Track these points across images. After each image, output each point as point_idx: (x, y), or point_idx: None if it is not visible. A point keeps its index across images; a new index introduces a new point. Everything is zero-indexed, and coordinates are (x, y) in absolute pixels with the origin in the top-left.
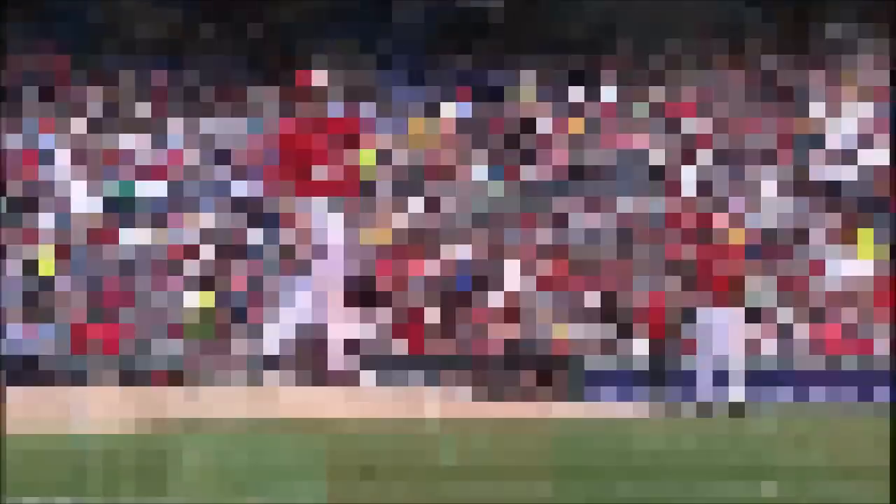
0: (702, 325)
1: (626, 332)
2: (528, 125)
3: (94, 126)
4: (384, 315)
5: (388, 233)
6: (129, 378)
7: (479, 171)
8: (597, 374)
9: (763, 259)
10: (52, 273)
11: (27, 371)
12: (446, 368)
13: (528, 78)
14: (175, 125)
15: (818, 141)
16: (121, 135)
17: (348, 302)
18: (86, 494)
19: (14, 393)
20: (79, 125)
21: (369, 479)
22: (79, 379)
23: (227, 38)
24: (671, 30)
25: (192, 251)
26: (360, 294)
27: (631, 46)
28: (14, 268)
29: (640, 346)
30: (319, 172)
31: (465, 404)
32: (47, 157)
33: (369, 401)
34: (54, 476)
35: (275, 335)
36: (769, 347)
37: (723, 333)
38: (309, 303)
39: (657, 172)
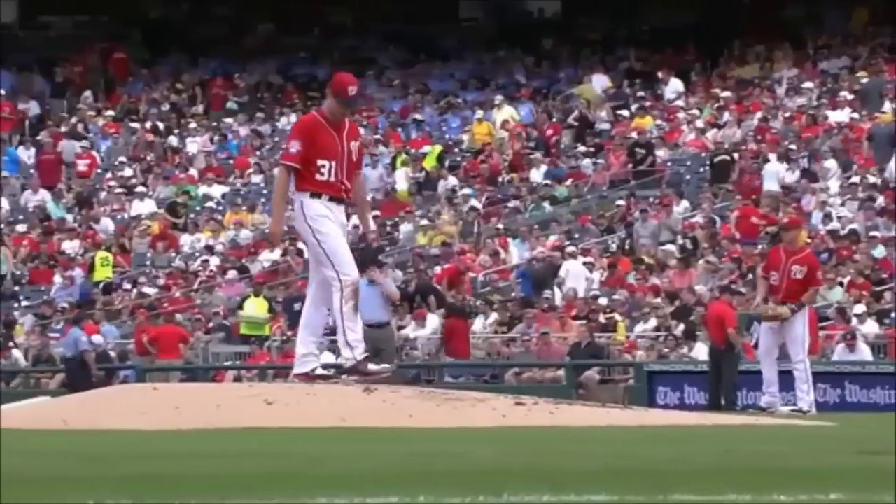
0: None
1: (690, 335)
2: (591, 125)
3: (156, 128)
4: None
5: (449, 233)
6: (191, 379)
7: (541, 172)
8: (660, 377)
9: (833, 261)
10: (110, 276)
11: (84, 371)
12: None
13: (590, 77)
14: (237, 126)
15: (886, 139)
16: (181, 136)
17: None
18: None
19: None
20: (140, 127)
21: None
22: (141, 378)
23: (287, 38)
24: (737, 29)
25: (252, 252)
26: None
27: (695, 44)
28: (74, 270)
29: (704, 350)
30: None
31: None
32: (107, 160)
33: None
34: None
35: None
36: (840, 350)
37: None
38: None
39: (723, 173)
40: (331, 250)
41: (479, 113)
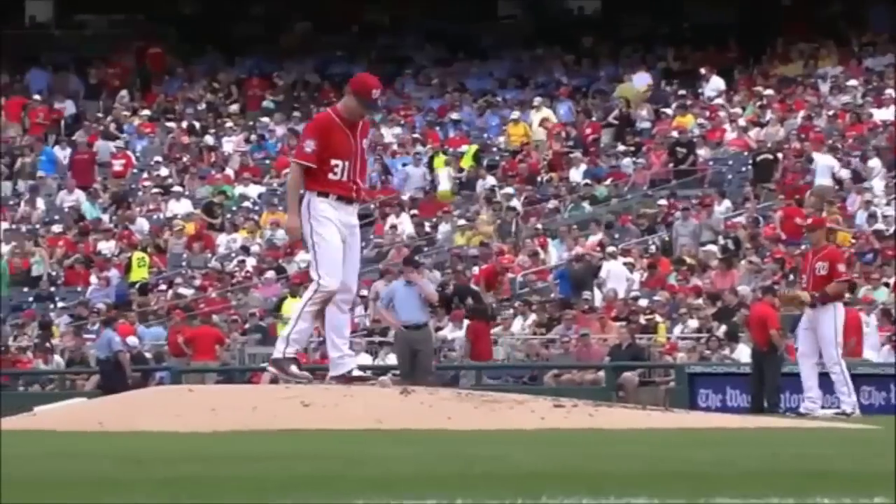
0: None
1: (732, 336)
2: (631, 124)
3: (192, 127)
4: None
5: (487, 233)
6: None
7: (580, 171)
8: (702, 379)
9: (878, 261)
10: (145, 276)
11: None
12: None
13: (630, 75)
14: (274, 125)
15: None
16: (217, 136)
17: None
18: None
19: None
20: (176, 126)
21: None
22: (176, 380)
23: (324, 37)
24: (780, 26)
25: (288, 253)
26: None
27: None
28: (110, 271)
29: (747, 351)
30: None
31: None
32: (143, 159)
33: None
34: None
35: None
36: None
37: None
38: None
39: (766, 172)
40: (322, 254)
41: (516, 114)
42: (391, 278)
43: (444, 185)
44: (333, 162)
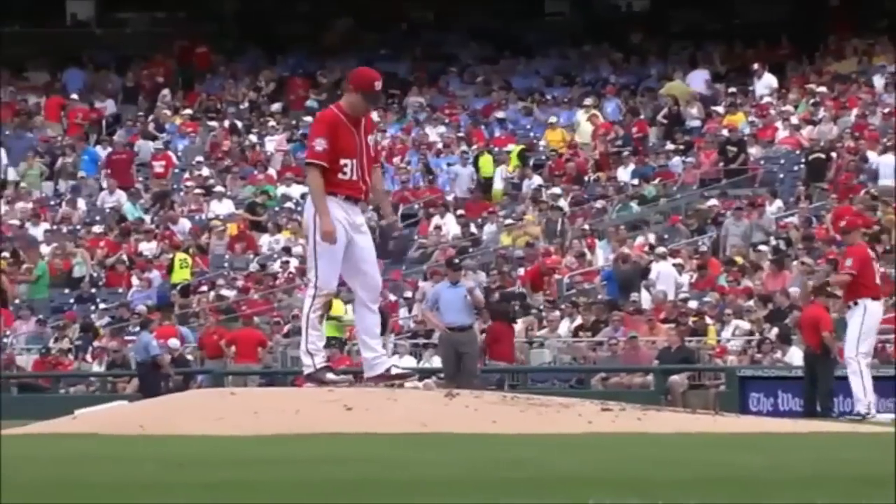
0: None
1: (784, 338)
2: (680, 122)
3: (234, 127)
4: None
5: (533, 234)
6: (269, 383)
7: (628, 171)
8: (753, 382)
9: None
10: (187, 278)
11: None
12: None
13: (679, 73)
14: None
15: None
16: (260, 135)
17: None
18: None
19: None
20: (218, 125)
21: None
22: (218, 382)
23: (368, 35)
24: (833, 22)
25: None
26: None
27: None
28: (152, 272)
29: (799, 354)
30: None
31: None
32: (184, 159)
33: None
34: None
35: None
36: None
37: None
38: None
39: (819, 171)
40: (321, 256)
41: (553, 119)
42: (437, 280)
43: (497, 185)
44: (342, 161)
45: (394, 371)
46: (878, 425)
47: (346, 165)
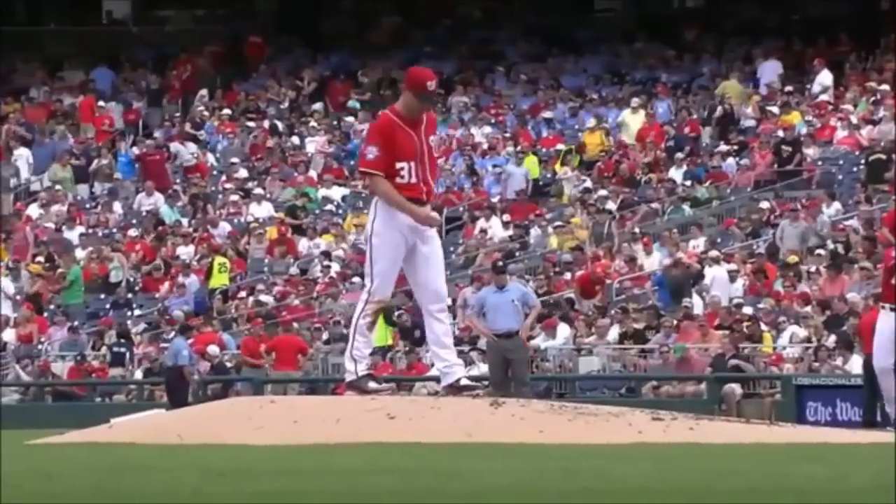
0: None
1: (847, 345)
2: (734, 121)
3: (274, 127)
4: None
5: (581, 237)
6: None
7: (680, 172)
8: (810, 391)
9: None
10: (226, 283)
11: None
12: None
13: (733, 71)
14: (359, 125)
15: None
16: (300, 136)
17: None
18: None
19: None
20: (257, 126)
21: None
22: (258, 390)
23: (414, 32)
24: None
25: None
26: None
27: (848, 34)
28: (189, 277)
29: (859, 362)
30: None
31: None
32: (223, 161)
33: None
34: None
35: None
36: None
37: None
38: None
39: (879, 172)
40: (377, 261)
41: (592, 122)
42: (480, 285)
43: (564, 187)
44: (399, 165)
45: (463, 382)
46: None
47: (402, 169)
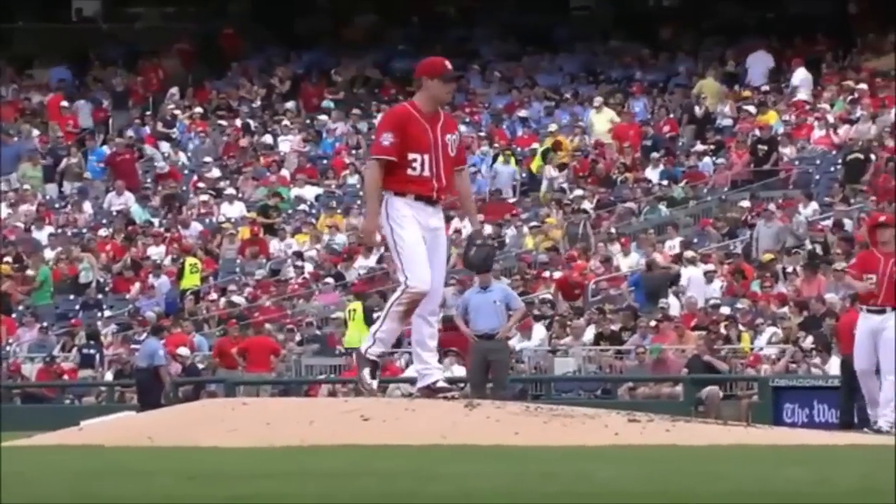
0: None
1: (821, 347)
2: (710, 121)
3: (246, 126)
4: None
5: (555, 236)
6: (283, 393)
7: (657, 172)
8: (787, 393)
9: None
10: (197, 283)
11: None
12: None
13: (709, 69)
14: (332, 123)
15: None
16: (273, 134)
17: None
18: None
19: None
20: (229, 125)
21: None
22: (230, 392)
23: (388, 30)
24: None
25: (346, 258)
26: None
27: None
28: (160, 278)
29: (837, 364)
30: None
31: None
32: (194, 160)
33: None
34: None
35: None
36: None
37: None
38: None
39: (856, 172)
40: (406, 255)
41: (553, 126)
42: (462, 287)
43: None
44: (411, 156)
45: (439, 384)
46: None
47: (415, 160)
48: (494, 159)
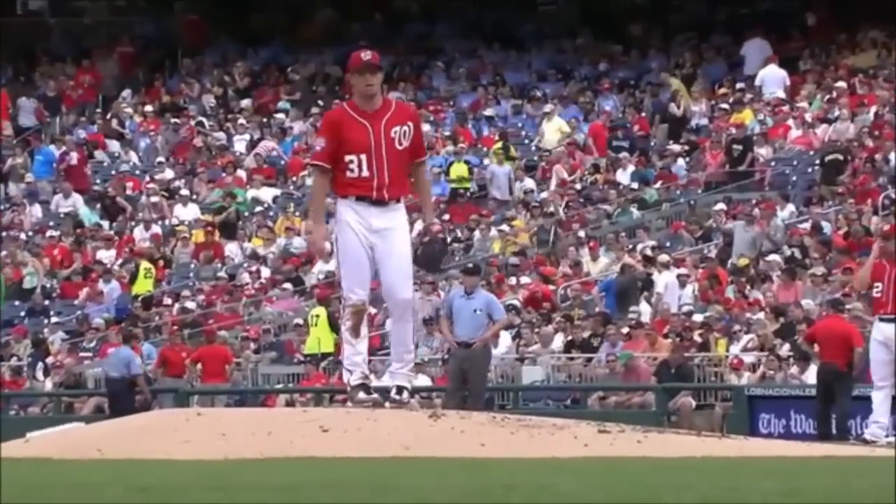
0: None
1: (803, 355)
2: (684, 120)
3: (200, 124)
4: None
5: (521, 241)
6: (239, 403)
7: (627, 173)
8: (763, 402)
9: None
10: (150, 289)
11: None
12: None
13: (683, 66)
14: (290, 122)
15: None
16: (228, 134)
17: None
18: None
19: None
20: (181, 122)
21: None
22: (182, 402)
23: (348, 26)
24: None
25: (305, 262)
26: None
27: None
28: (110, 283)
29: (814, 371)
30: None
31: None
32: (146, 160)
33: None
34: None
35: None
36: None
37: None
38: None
39: (834, 173)
40: (343, 264)
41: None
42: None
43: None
44: (348, 158)
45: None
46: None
47: (351, 162)
48: (501, 159)
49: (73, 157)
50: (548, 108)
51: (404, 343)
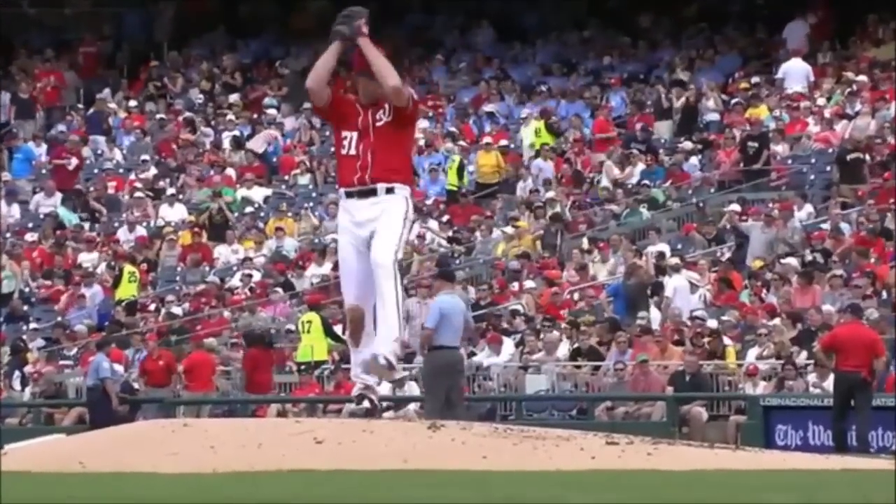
0: None
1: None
2: (695, 116)
3: (187, 120)
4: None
5: (525, 243)
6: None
7: (636, 172)
8: (779, 413)
9: None
10: (134, 294)
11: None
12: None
13: (693, 60)
14: (281, 118)
15: None
16: (217, 130)
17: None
18: None
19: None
20: (168, 118)
21: None
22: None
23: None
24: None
25: (299, 266)
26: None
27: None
28: (92, 287)
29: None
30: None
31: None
32: (130, 158)
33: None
34: None
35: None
36: None
37: None
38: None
39: (854, 171)
40: (339, 268)
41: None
42: (425, 294)
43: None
44: (344, 133)
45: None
46: None
47: (346, 138)
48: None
49: (73, 162)
50: (525, 112)
51: (383, 311)
